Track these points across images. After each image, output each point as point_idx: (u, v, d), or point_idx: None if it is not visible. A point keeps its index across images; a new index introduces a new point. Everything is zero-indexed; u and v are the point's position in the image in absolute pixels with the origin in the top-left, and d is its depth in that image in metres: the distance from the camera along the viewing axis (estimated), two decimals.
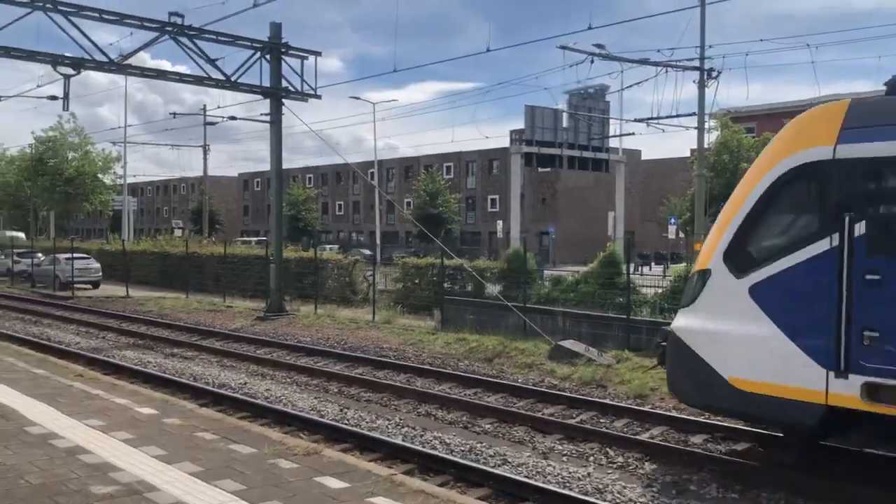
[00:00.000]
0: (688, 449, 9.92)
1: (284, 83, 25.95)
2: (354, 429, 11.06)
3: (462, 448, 10.14)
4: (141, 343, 19.48)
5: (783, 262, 8.32)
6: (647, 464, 9.47)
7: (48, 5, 21.10)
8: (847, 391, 7.72)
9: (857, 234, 7.77)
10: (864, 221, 7.77)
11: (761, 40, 59.74)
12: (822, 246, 7.99)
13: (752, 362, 8.46)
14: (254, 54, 25.31)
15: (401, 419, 11.78)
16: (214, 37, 24.27)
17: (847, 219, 7.80)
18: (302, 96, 26.25)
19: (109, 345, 19.40)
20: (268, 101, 26.74)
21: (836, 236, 7.88)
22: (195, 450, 7.83)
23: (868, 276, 7.67)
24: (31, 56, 22.22)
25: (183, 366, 16.40)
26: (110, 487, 6.55)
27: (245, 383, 14.66)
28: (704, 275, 9.00)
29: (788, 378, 8.13)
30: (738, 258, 8.72)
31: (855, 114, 8.12)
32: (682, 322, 9.27)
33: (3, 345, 15.47)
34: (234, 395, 13.32)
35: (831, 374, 7.82)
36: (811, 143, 8.28)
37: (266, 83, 25.73)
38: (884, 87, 8.89)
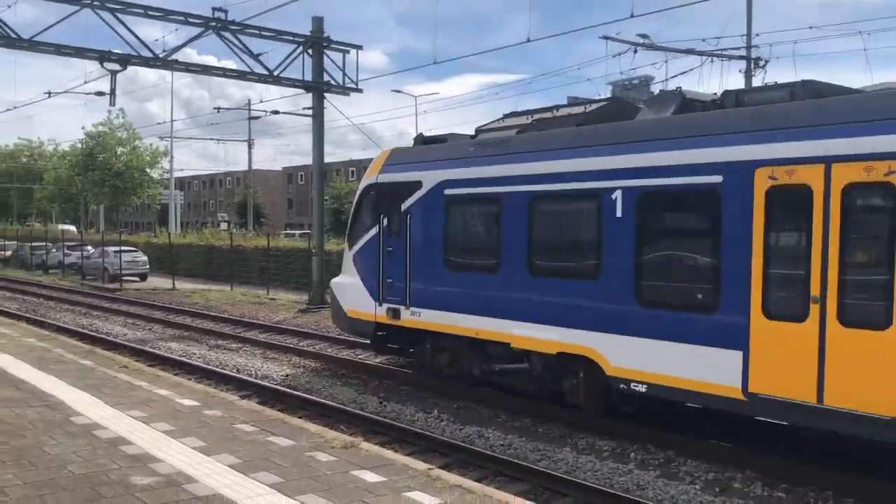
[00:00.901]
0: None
1: (326, 77, 26.07)
2: (394, 422, 11.07)
3: None
4: (186, 335, 19.76)
5: (362, 240, 14.46)
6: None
7: (96, 2, 21.48)
8: (381, 313, 13.85)
9: (384, 224, 13.84)
10: (386, 217, 13.81)
11: (810, 28, 58.34)
12: (374, 231, 14.08)
13: (352, 300, 14.62)
14: (296, 49, 25.47)
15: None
16: (257, 32, 24.49)
17: (381, 216, 13.91)
18: (343, 90, 26.35)
19: (155, 336, 19.72)
20: (310, 95, 26.89)
21: (377, 226, 13.97)
22: (234, 442, 7.89)
23: (387, 248, 13.78)
24: (79, 52, 22.66)
25: (226, 357, 16.59)
26: (150, 479, 6.62)
27: (287, 375, 14.79)
28: (346, 251, 15.35)
29: (364, 307, 14.22)
30: (350, 239, 15.04)
31: (391, 156, 14.31)
32: (334, 280, 15.56)
33: (53, 336, 15.82)
34: (276, 386, 13.43)
35: (377, 303, 13.89)
36: (373, 172, 14.40)
37: (308, 77, 25.87)
38: None
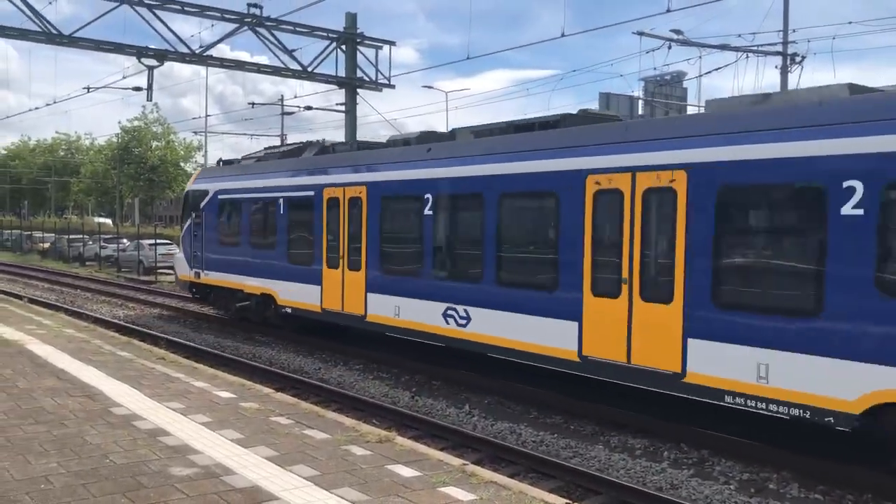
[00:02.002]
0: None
1: (359, 73, 26.18)
2: (426, 417, 11.13)
3: None
4: (218, 328, 19.98)
5: (184, 228, 21.38)
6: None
7: None
8: (192, 276, 20.68)
9: (192, 217, 20.81)
10: (193, 213, 20.77)
11: (850, 23, 57.27)
12: (188, 222, 21.06)
13: (180, 268, 21.88)
14: (329, 44, 25.61)
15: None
16: (292, 28, 24.67)
17: (192, 212, 20.74)
18: (376, 86, 26.45)
19: (190, 328, 19.98)
20: (342, 91, 27.03)
21: (189, 219, 20.93)
22: (270, 434, 7.99)
23: (194, 234, 20.64)
24: (118, 48, 22.99)
25: (259, 350, 16.77)
26: (189, 470, 6.73)
27: (319, 368, 14.93)
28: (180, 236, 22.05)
29: (185, 272, 21.24)
30: (181, 227, 21.91)
31: (200, 173, 22.51)
32: (175, 256, 23.73)
33: (91, 327, 16.09)
34: (310, 380, 13.56)
35: (191, 270, 20.70)
36: (190, 183, 21.76)
37: (341, 73, 26.00)
38: None
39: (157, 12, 22.43)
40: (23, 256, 51.99)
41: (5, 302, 20.81)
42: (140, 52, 22.82)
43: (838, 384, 8.00)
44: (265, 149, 20.77)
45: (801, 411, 8.36)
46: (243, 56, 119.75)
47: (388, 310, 14.19)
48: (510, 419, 11.27)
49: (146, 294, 27.93)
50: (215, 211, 19.90)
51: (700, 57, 29.82)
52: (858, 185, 7.88)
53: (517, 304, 11.68)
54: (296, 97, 70.81)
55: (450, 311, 12.90)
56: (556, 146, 11.31)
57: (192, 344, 16.95)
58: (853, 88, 9.00)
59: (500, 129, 13.17)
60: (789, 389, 8.44)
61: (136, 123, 68.04)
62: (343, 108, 27.58)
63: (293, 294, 16.64)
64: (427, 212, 13.38)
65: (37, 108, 70.68)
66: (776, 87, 26.94)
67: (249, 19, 23.53)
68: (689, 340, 9.39)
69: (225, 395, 9.86)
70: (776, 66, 26.74)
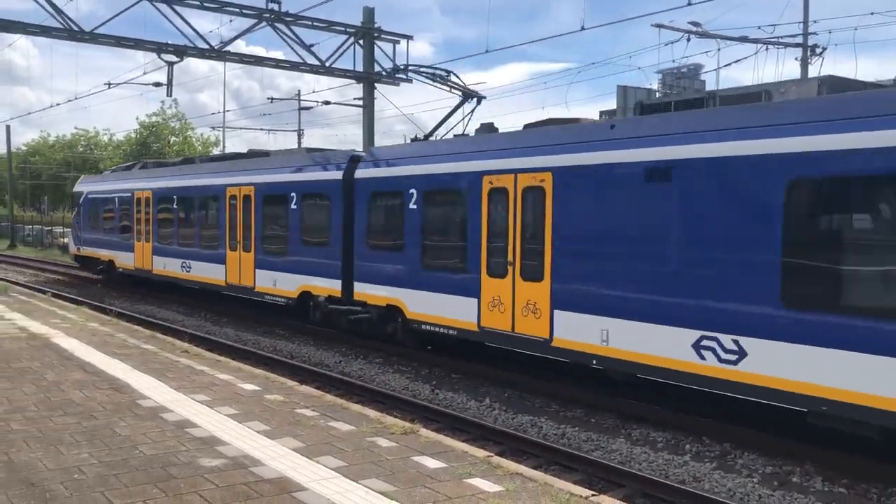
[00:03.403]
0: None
1: (377, 67, 26.23)
2: (448, 409, 11.20)
3: None
4: (237, 322, 20.13)
5: (74, 216, 32.49)
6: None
7: None
8: (76, 250, 31.18)
9: (78, 207, 31.16)
10: (77, 205, 31.41)
11: (872, 14, 56.62)
12: (76, 211, 31.64)
13: (70, 244, 33.82)
14: (347, 39, 25.66)
15: None
16: (310, 23, 24.74)
17: (77, 205, 31.32)
18: (394, 80, 26.48)
19: (210, 322, 20.15)
20: (359, 85, 27.09)
21: (76, 208, 31.70)
22: (296, 426, 8.08)
23: (77, 220, 31.45)
24: (138, 44, 23.15)
25: (279, 343, 16.90)
26: (217, 461, 6.83)
27: (339, 361, 15.03)
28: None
29: (73, 247, 32.19)
30: (72, 213, 33.95)
31: (81, 180, 33.36)
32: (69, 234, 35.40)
33: (115, 321, 16.26)
34: (331, 373, 13.67)
35: (76, 246, 31.28)
36: (76, 185, 32.36)
37: (359, 68, 26.05)
38: None
39: (177, 8, 22.56)
40: (44, 251, 52.53)
41: (29, 296, 21.06)
42: (160, 49, 22.97)
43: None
44: (111, 169, 33.60)
45: (287, 300, 14.04)
46: (259, 51, 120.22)
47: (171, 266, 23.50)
48: (531, 412, 11.32)
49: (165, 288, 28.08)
50: (87, 206, 29.90)
51: (719, 49, 29.66)
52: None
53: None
54: (313, 92, 70.94)
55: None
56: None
57: (214, 338, 17.10)
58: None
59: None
60: (281, 289, 13.09)
61: (154, 119, 68.54)
62: (360, 102, 27.65)
63: (124, 259, 26.34)
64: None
65: (57, 105, 71.20)
66: (797, 79, 26.74)
67: (268, 15, 23.61)
68: (256, 270, 14.22)
69: (249, 387, 9.96)
70: (796, 59, 26.58)
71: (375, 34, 25.97)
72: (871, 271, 8.21)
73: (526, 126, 13.80)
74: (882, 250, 8.06)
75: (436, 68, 18.12)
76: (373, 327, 15.55)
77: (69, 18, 21.97)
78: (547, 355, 12.12)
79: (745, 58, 53.04)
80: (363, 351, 16.00)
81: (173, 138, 68.47)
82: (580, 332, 11.06)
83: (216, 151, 66.10)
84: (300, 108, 49.28)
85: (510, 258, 12.21)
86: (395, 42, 26.38)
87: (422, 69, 18.34)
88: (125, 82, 29.64)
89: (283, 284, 17.76)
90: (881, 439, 8.29)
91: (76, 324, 15.38)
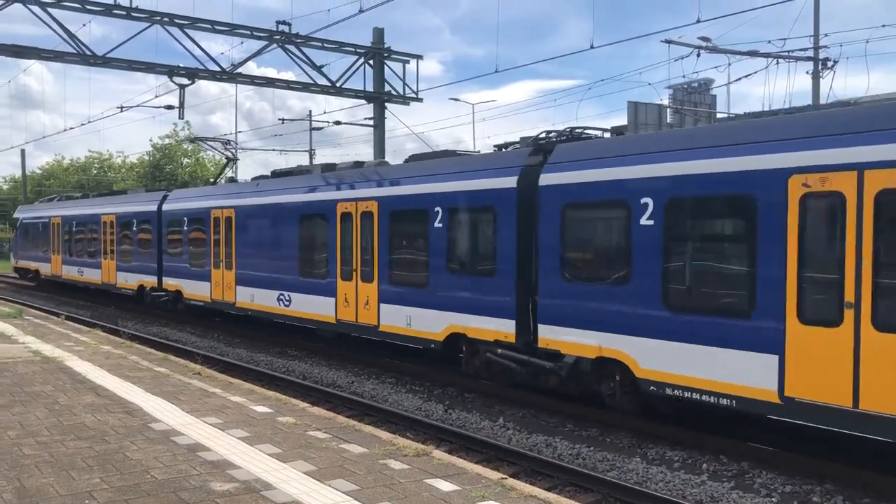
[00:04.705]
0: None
1: (387, 87, 26.36)
2: (461, 430, 11.11)
3: None
4: (250, 342, 20.13)
5: (13, 236, 43.73)
6: None
7: (165, 18, 22.12)
8: (15, 263, 40.73)
9: (17, 229, 41.24)
10: (17, 227, 41.28)
11: (883, 26, 56.47)
12: (14, 233, 43.29)
13: (13, 259, 41.79)
14: (357, 60, 25.83)
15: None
16: (320, 44, 24.96)
17: (16, 227, 42.36)
18: (404, 100, 26.62)
19: (223, 343, 20.14)
20: (369, 105, 27.22)
21: (14, 231, 43.29)
22: (308, 448, 8.02)
23: (15, 240, 41.71)
24: (150, 68, 23.39)
25: (291, 364, 16.86)
26: (229, 485, 6.77)
27: (352, 382, 14.96)
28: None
29: (13, 261, 41.73)
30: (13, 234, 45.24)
31: (18, 209, 44.33)
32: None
33: (128, 343, 16.28)
34: (343, 393, 13.60)
35: (15, 260, 40.94)
36: (16, 213, 43.16)
37: (369, 88, 26.19)
38: None
39: (189, 31, 22.79)
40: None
41: (43, 319, 21.14)
42: (171, 71, 23.22)
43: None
44: (45, 199, 41.86)
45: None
46: (270, 72, 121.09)
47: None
48: (545, 432, 11.21)
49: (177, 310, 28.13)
50: (22, 228, 38.39)
51: (729, 64, 29.65)
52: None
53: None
54: (325, 112, 71.35)
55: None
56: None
57: (226, 359, 17.08)
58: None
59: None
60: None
61: (166, 141, 69.05)
62: (371, 122, 27.76)
63: (47, 267, 34.23)
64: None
65: (71, 128, 71.87)
66: (808, 93, 26.70)
67: (279, 37, 23.82)
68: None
69: (261, 409, 9.92)
70: (807, 72, 26.51)
71: (385, 54, 26.14)
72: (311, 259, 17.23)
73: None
74: (314, 247, 17.57)
75: (218, 139, 25.71)
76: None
77: (82, 43, 22.23)
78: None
79: (756, 72, 52.80)
80: (376, 371, 15.94)
81: (186, 160, 68.89)
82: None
83: (229, 173, 66.49)
84: (311, 129, 49.51)
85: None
86: (405, 62, 26.54)
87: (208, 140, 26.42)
88: (137, 105, 30.08)
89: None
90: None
91: (89, 346, 15.41)
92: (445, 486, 6.84)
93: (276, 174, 20.37)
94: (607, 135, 12.96)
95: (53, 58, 22.69)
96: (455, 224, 13.58)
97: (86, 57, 22.44)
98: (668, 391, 10.02)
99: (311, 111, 49.74)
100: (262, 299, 19.15)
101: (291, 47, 24.47)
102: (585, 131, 13.09)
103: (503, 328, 12.47)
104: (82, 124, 56.25)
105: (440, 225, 13.77)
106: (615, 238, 10.96)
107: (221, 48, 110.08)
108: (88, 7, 21.84)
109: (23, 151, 62.78)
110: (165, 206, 23.66)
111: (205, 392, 11.02)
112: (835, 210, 8.32)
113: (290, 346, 18.92)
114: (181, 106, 24.24)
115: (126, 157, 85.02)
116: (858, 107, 9.09)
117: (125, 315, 26.40)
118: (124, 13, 21.99)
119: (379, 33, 26.21)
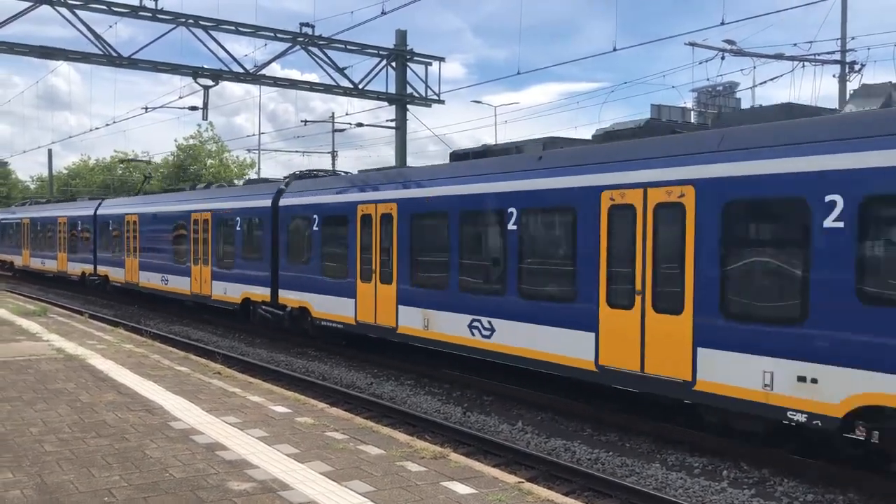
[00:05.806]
0: None
1: (409, 89, 26.40)
2: (479, 433, 11.08)
3: None
4: (270, 343, 20.22)
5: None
6: None
7: (190, 20, 22.31)
8: None
9: None
10: None
11: None
12: None
13: None
14: (380, 62, 25.89)
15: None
16: (343, 46, 25.04)
17: None
18: (426, 102, 26.63)
19: (244, 343, 20.26)
20: (391, 107, 27.27)
21: None
22: (325, 449, 8.03)
23: None
24: (174, 69, 23.59)
25: (311, 365, 16.93)
26: (247, 484, 6.80)
27: (371, 383, 14.98)
28: None
29: None
30: None
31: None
32: None
33: (149, 342, 16.42)
34: (362, 395, 13.62)
35: None
36: None
37: (391, 90, 26.24)
38: None
39: (213, 33, 22.96)
40: None
41: (67, 317, 21.37)
42: (196, 73, 23.40)
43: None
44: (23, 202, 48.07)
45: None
46: (294, 74, 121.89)
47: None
48: (564, 436, 11.15)
49: (200, 309, 28.33)
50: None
51: (754, 67, 29.39)
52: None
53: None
54: (347, 114, 71.64)
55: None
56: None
57: (246, 359, 17.18)
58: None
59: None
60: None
61: (191, 142, 69.60)
62: (393, 124, 27.82)
63: (32, 260, 39.20)
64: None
65: (96, 129, 72.85)
66: (834, 97, 26.40)
67: (302, 38, 23.94)
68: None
69: (280, 409, 9.95)
70: (834, 75, 26.18)
71: (407, 56, 26.17)
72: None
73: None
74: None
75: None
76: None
77: (108, 45, 22.45)
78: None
79: (781, 75, 52.19)
80: (395, 372, 15.95)
81: (210, 161, 69.38)
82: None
83: (252, 174, 66.96)
84: (334, 130, 49.70)
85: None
86: (427, 64, 26.56)
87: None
88: (162, 106, 30.19)
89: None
90: None
91: (112, 345, 15.55)
92: (462, 489, 6.82)
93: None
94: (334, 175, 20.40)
95: (80, 59, 22.95)
96: (224, 229, 21.73)
97: (112, 58, 22.67)
98: (320, 322, 17.86)
99: (333, 113, 49.96)
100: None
101: (314, 49, 24.59)
102: (317, 172, 21.27)
103: (265, 293, 19.83)
104: (107, 124, 57.07)
105: (239, 229, 21.24)
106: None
107: (245, 50, 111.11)
108: (115, 9, 22.07)
109: (50, 151, 63.65)
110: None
111: (224, 391, 11.07)
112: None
113: (310, 346, 18.98)
114: (205, 107, 24.40)
115: (151, 157, 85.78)
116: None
117: (148, 314, 26.63)
118: (150, 15, 22.20)
119: (401, 35, 26.26)
